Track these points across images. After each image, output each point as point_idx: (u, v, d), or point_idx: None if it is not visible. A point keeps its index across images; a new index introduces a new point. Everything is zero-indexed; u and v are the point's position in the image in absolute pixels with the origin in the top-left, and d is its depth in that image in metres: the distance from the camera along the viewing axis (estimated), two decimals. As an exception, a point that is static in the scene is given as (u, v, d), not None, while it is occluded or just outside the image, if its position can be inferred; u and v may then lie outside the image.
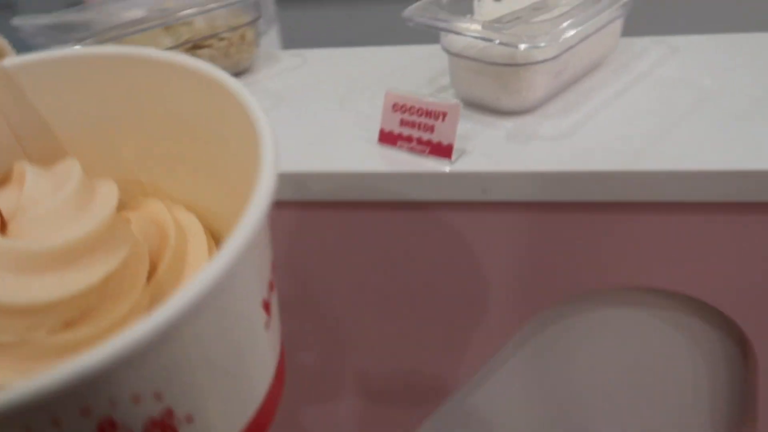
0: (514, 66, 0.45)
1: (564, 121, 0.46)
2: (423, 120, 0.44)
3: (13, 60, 0.25)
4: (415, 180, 0.43)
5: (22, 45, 0.30)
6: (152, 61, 0.26)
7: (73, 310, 0.23)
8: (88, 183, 0.24)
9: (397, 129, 0.44)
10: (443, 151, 0.43)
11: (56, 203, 0.23)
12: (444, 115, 0.43)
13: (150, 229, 0.27)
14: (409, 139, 0.44)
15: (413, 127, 0.44)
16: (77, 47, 0.26)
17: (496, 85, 0.47)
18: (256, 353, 0.24)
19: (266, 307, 0.24)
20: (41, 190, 0.23)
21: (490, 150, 0.44)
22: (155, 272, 0.26)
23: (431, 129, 0.43)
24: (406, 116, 0.44)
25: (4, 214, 0.24)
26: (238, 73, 0.58)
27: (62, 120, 0.27)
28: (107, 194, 0.25)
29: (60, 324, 0.23)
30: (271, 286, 0.25)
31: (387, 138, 0.45)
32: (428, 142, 0.44)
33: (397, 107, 0.44)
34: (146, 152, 0.29)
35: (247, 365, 0.23)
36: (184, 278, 0.27)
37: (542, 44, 0.41)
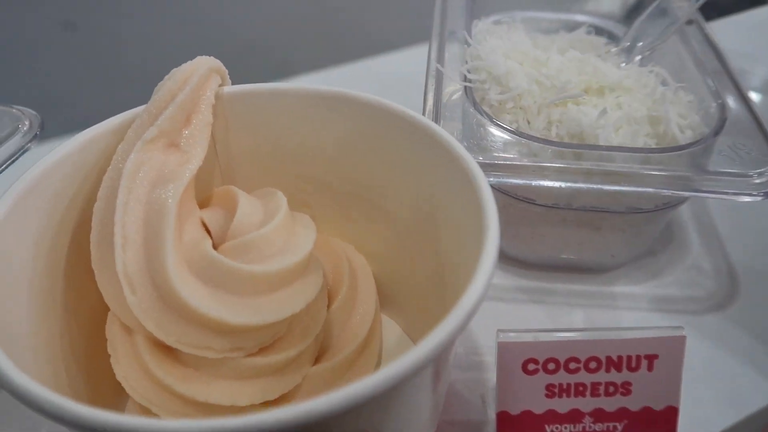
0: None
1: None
2: (602, 377, 0.25)
3: (231, 88, 0.27)
4: None
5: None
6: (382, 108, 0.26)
7: (270, 336, 0.24)
8: (290, 215, 0.25)
9: (540, 405, 0.25)
10: (656, 423, 0.25)
11: (267, 231, 0.24)
12: (653, 359, 0.24)
13: (327, 265, 0.28)
14: (573, 417, 0.25)
15: (581, 394, 0.25)
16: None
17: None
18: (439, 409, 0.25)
19: None
20: (253, 218, 0.25)
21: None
22: (330, 307, 0.27)
23: (625, 389, 0.25)
24: (558, 377, 0.25)
25: (213, 234, 0.25)
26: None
27: (263, 151, 0.28)
28: (307, 227, 0.26)
29: (256, 347, 0.24)
30: None
31: (517, 429, 0.25)
32: (620, 414, 0.25)
33: (533, 365, 0.24)
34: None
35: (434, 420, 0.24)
36: (355, 315, 0.28)
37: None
